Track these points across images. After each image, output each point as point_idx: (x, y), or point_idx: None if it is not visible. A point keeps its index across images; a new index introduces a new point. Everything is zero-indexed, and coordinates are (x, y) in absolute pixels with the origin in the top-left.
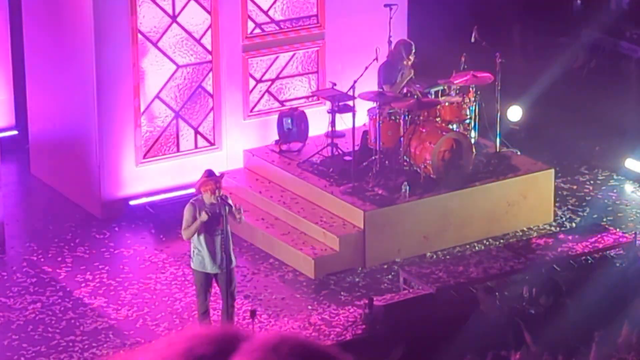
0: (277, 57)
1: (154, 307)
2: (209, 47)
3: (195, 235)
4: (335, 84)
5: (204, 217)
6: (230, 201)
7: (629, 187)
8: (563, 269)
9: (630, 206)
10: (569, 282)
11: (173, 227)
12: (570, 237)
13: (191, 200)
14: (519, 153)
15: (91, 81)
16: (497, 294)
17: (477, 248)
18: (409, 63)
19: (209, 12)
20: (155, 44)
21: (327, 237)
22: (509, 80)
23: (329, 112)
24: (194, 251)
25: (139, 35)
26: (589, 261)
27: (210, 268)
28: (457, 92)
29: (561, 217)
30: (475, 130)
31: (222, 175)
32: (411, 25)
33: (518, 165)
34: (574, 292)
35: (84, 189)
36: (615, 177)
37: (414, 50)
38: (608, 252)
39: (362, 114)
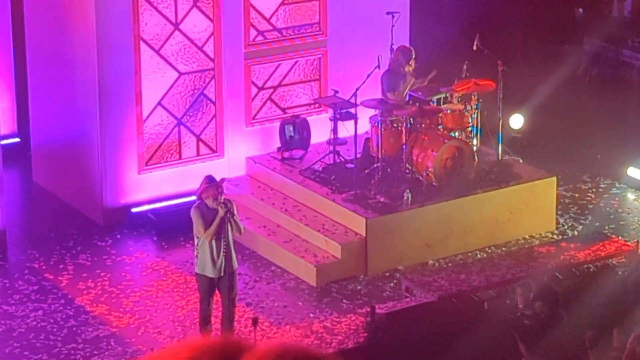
0: (279, 65)
1: (156, 315)
2: (211, 55)
3: (200, 239)
4: (337, 92)
5: (221, 212)
6: (235, 210)
7: (631, 195)
8: (565, 277)
9: (632, 214)
10: (571, 290)
11: (175, 235)
12: (572, 245)
13: (194, 205)
14: (520, 161)
15: (93, 88)
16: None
17: (479, 256)
18: (411, 69)
19: (211, 20)
20: (157, 52)
21: (329, 245)
22: (511, 88)
23: (331, 120)
24: (197, 255)
25: (142, 43)
26: (591, 269)
27: (211, 272)
28: (459, 99)
29: (563, 225)
30: (477, 138)
31: (222, 180)
32: (413, 33)
33: (520, 173)
34: (576, 300)
35: (86, 196)
36: (617, 185)
37: (414, 56)
38: (610, 260)
39: (364, 121)
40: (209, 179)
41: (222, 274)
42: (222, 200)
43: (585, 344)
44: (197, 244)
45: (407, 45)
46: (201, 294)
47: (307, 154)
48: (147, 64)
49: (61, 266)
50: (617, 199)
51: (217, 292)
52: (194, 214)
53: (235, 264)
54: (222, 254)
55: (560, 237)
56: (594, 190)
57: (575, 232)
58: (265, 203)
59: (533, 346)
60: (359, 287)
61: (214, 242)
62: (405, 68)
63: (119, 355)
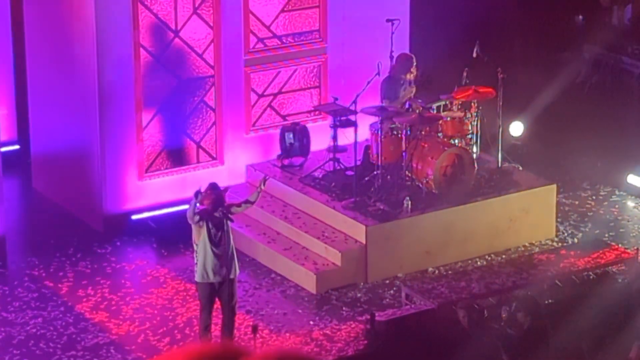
0: (279, 72)
1: (156, 322)
2: (211, 62)
3: (199, 246)
4: (337, 99)
5: (217, 214)
6: (264, 184)
7: (630, 203)
8: (565, 284)
9: (632, 222)
10: (571, 298)
11: (175, 242)
12: (572, 253)
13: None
14: (520, 168)
15: (93, 95)
16: (478, 311)
17: (479, 263)
18: (411, 77)
19: (211, 27)
20: (157, 59)
21: (328, 252)
22: (511, 95)
23: (330, 127)
24: (197, 263)
25: (141, 50)
26: (591, 277)
27: (212, 277)
28: (459, 107)
29: (563, 233)
30: (477, 146)
31: (225, 189)
32: (413, 40)
33: (520, 180)
34: (576, 307)
35: (85, 203)
36: (617, 192)
37: (415, 64)
38: (610, 268)
39: (364, 128)
40: (212, 186)
41: (223, 279)
42: (222, 209)
43: (584, 353)
44: (196, 251)
45: (408, 52)
46: (202, 302)
47: (307, 162)
48: (147, 71)
49: (61, 273)
50: (617, 206)
51: (217, 300)
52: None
53: (237, 271)
54: (222, 260)
55: (560, 244)
56: (593, 197)
57: (575, 240)
58: (265, 210)
59: (518, 357)
60: (358, 295)
61: (213, 248)
62: (406, 76)
63: None
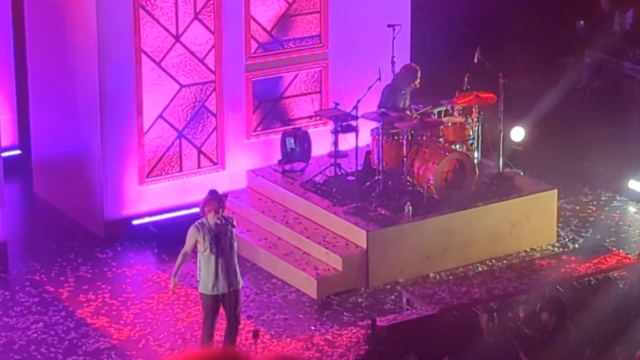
0: (280, 77)
1: (157, 327)
2: (212, 67)
3: (202, 256)
4: (338, 104)
5: (216, 219)
6: (234, 223)
7: (632, 208)
8: (566, 290)
9: (633, 227)
10: (572, 303)
11: (176, 247)
12: (573, 258)
13: (196, 223)
14: (521, 173)
15: (94, 100)
16: (495, 314)
17: (480, 269)
18: (415, 86)
19: (212, 32)
20: (158, 64)
21: (330, 258)
22: (512, 100)
23: (332, 132)
24: (200, 274)
25: (143, 55)
26: (592, 282)
27: (216, 289)
28: (460, 112)
29: (564, 238)
30: (478, 151)
31: (225, 195)
32: (414, 45)
33: (521, 185)
34: (577, 313)
35: (86, 208)
36: (618, 198)
37: (419, 77)
38: (611, 273)
39: (365, 134)
40: (213, 193)
41: (228, 290)
42: (223, 215)
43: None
44: (200, 260)
45: (414, 64)
46: (205, 312)
47: (308, 167)
48: (148, 76)
49: (62, 278)
50: (618, 211)
51: (221, 309)
52: (190, 233)
53: (241, 282)
54: (225, 270)
55: (561, 249)
56: (594, 203)
57: (576, 245)
58: (266, 216)
59: (537, 357)
60: (359, 300)
61: (216, 259)
62: (409, 86)
63: None
